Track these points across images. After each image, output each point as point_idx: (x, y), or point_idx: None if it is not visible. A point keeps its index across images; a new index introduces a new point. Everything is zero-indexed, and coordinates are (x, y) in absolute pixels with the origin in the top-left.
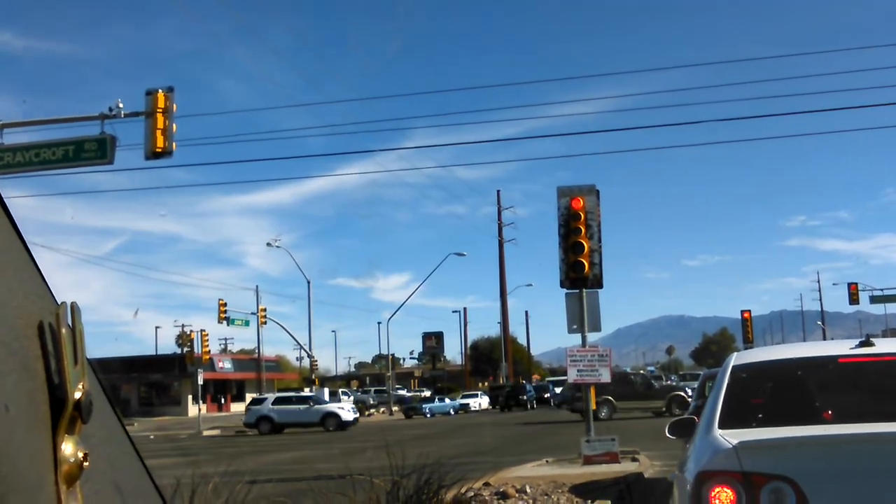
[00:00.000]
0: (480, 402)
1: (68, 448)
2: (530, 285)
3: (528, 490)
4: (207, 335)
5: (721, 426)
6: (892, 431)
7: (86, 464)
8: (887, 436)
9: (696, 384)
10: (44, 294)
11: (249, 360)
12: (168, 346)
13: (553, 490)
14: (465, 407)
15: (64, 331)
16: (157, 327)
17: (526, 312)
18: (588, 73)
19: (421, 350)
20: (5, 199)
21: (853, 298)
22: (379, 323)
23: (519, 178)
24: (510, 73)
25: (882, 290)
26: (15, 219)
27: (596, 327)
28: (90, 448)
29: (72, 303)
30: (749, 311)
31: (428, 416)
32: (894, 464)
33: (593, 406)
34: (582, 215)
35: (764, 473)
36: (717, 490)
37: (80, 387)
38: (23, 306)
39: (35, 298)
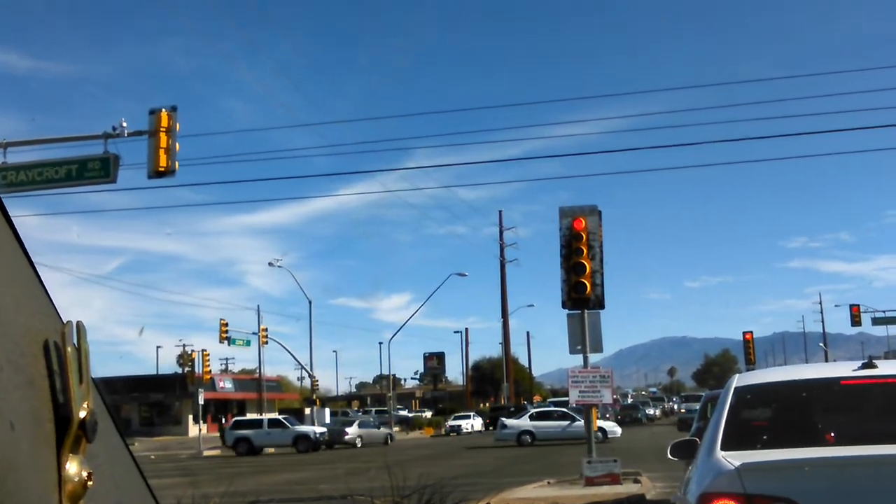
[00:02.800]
0: (473, 423)
1: (73, 467)
2: (532, 306)
3: None
4: (209, 355)
5: (723, 448)
6: (894, 454)
7: (90, 483)
8: (890, 458)
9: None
10: (49, 313)
11: (250, 380)
12: (169, 365)
13: None
14: (457, 429)
15: (69, 349)
16: (158, 347)
17: (527, 333)
18: (589, 94)
19: (422, 370)
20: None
21: (855, 320)
22: (380, 343)
23: (520, 199)
24: (511, 94)
25: (884, 311)
26: (21, 237)
27: (598, 348)
28: (94, 467)
29: (77, 322)
30: (751, 332)
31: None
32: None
33: (594, 427)
34: (584, 236)
35: (766, 495)
36: None
37: (85, 406)
38: (29, 324)
39: (41, 317)
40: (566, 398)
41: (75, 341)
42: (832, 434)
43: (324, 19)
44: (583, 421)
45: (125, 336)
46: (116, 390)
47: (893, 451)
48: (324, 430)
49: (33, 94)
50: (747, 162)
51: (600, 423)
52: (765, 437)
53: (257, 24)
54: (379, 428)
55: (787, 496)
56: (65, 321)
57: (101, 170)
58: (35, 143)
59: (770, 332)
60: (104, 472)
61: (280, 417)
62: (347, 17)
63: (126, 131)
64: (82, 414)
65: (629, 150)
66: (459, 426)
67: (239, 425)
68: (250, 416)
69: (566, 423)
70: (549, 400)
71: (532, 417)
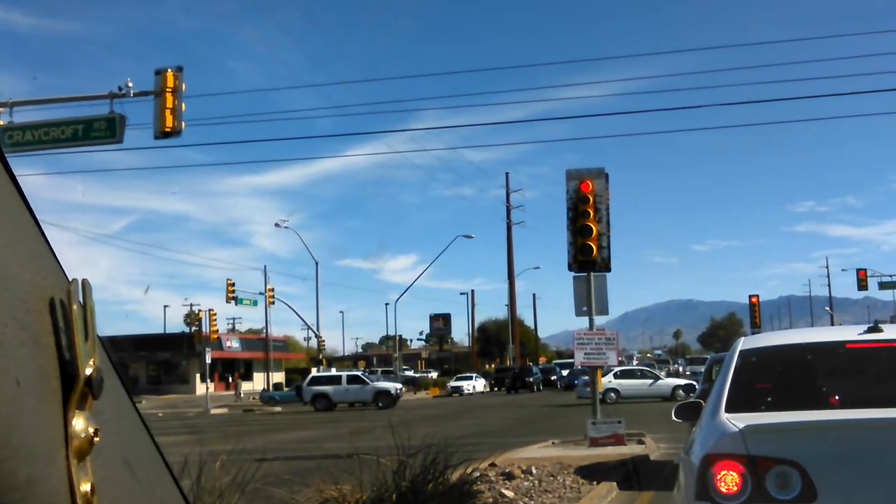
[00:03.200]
0: (475, 384)
1: (79, 423)
2: (538, 268)
3: (534, 471)
4: (216, 314)
5: (728, 410)
6: None
7: (96, 439)
8: (894, 421)
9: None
10: (55, 271)
11: (257, 340)
12: (177, 325)
13: (559, 471)
14: (458, 390)
15: (75, 307)
16: (165, 306)
17: (533, 295)
18: (597, 57)
19: (428, 331)
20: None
21: (862, 284)
22: (387, 304)
23: (527, 161)
24: (519, 56)
25: (891, 275)
26: (27, 196)
27: (603, 311)
28: (101, 424)
29: (82, 280)
30: (757, 295)
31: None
32: None
33: (600, 389)
34: (591, 199)
35: (770, 457)
36: (722, 473)
37: (91, 363)
38: (34, 282)
39: (46, 274)
40: (571, 360)
41: (81, 299)
42: (836, 397)
43: None
44: (666, 379)
45: (132, 295)
46: (124, 349)
47: None
48: (401, 386)
49: (35, 54)
50: (755, 125)
51: (688, 381)
52: (769, 400)
53: None
54: None
55: (791, 458)
56: (71, 279)
57: (107, 130)
58: (40, 102)
59: (776, 296)
60: (111, 429)
61: (359, 374)
62: None
63: (132, 91)
64: (88, 371)
65: (637, 112)
66: (461, 387)
67: (317, 381)
68: (325, 372)
69: (650, 381)
70: (554, 362)
71: (616, 376)
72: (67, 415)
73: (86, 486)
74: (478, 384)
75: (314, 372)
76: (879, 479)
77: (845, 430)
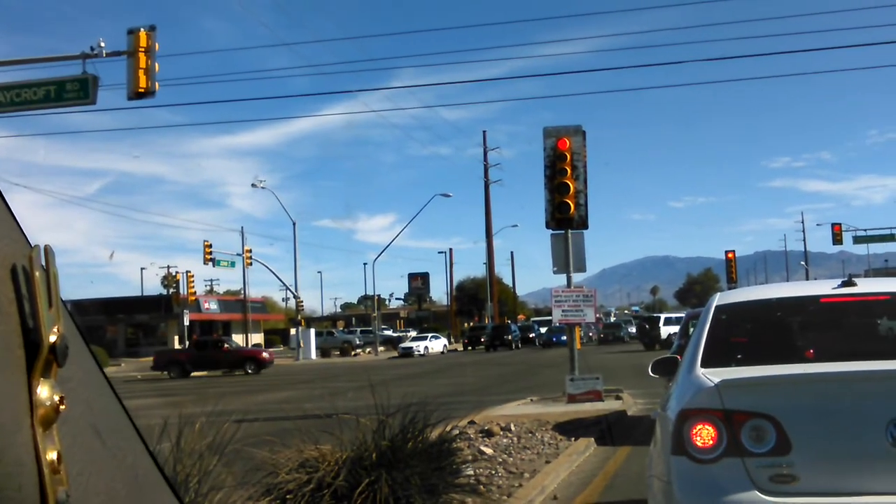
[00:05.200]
0: (430, 345)
1: (44, 391)
2: (516, 226)
3: (513, 428)
4: (193, 276)
5: (703, 365)
6: (872, 370)
7: (62, 407)
8: (866, 374)
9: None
10: (16, 237)
11: (235, 301)
12: (154, 287)
13: (537, 428)
14: (409, 352)
15: (38, 274)
16: (142, 268)
17: (511, 253)
18: (573, 13)
19: (407, 291)
20: None
21: (836, 239)
22: (365, 264)
23: (504, 119)
24: (495, 13)
25: (865, 230)
26: None
27: (581, 268)
28: (67, 391)
29: (45, 245)
30: (733, 251)
31: None
32: (873, 401)
33: (578, 346)
34: (568, 156)
35: (745, 411)
36: (698, 427)
37: (56, 330)
38: None
39: (7, 241)
40: (550, 317)
41: (44, 265)
42: (811, 351)
43: None
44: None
45: (107, 258)
46: (101, 312)
47: (870, 368)
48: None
49: (5, 12)
50: (731, 81)
51: None
52: (745, 355)
53: None
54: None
55: (766, 412)
56: (33, 245)
57: (80, 91)
58: (11, 63)
59: (752, 251)
60: (77, 396)
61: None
62: None
63: (104, 51)
64: (52, 338)
65: (614, 68)
66: (411, 348)
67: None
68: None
69: None
70: (532, 319)
71: None
72: (32, 383)
73: (52, 455)
74: (434, 345)
75: (293, 332)
76: (852, 431)
77: (819, 383)
